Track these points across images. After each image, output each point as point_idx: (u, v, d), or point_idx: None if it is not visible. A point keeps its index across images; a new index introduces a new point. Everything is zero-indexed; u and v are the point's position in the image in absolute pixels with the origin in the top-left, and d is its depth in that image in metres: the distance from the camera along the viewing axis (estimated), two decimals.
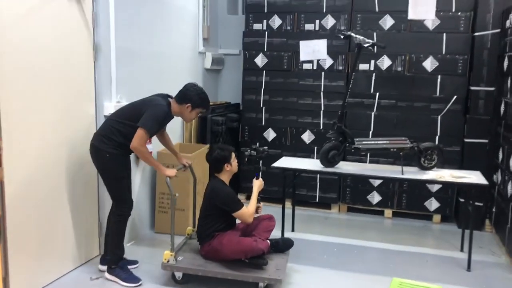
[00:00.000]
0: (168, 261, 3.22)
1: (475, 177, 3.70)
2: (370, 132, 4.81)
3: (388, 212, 4.93)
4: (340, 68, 4.86)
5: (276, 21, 5.02)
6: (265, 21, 5.06)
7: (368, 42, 3.70)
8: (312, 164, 4.07)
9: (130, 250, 3.69)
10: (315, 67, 4.93)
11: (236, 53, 5.70)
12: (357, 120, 4.80)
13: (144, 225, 4.25)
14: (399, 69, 4.70)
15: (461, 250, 4.04)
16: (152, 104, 3.15)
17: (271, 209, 5.05)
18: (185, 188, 4.20)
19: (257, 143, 5.13)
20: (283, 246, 3.44)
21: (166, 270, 3.28)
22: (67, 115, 3.26)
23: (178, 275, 3.26)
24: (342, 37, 3.98)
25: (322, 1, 4.86)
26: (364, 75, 4.76)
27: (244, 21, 5.25)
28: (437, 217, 4.82)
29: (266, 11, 5.04)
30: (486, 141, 4.53)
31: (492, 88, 4.48)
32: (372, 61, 4.75)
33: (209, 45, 5.47)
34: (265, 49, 5.05)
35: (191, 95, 3.23)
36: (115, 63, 3.62)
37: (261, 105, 5.13)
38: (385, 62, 4.73)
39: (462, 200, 4.57)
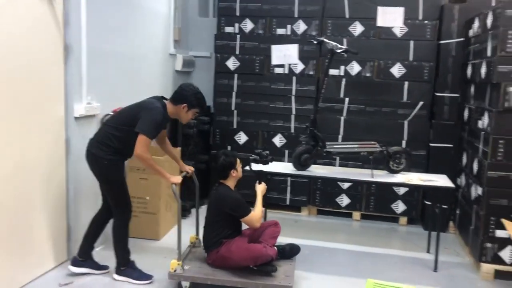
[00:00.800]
0: (175, 271, 3.11)
1: (442, 181, 3.83)
2: (340, 136, 4.89)
3: (356, 215, 5.03)
4: (311, 73, 4.93)
5: (248, 25, 5.05)
6: (237, 25, 5.07)
7: (340, 48, 3.77)
8: (284, 167, 4.11)
9: (100, 255, 3.61)
10: (286, 72, 4.98)
11: (207, 56, 5.68)
12: (327, 125, 4.87)
13: None
14: (368, 75, 4.81)
15: (428, 251, 4.16)
16: (148, 107, 3.10)
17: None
18: (155, 192, 4.16)
19: (229, 147, 5.14)
20: (289, 252, 3.42)
21: (173, 280, 3.15)
22: (35, 116, 3.17)
23: (185, 284, 3.20)
24: (315, 42, 4.04)
25: (294, 6, 4.92)
26: (334, 80, 4.85)
27: (215, 24, 5.25)
28: (403, 219, 4.95)
29: (238, 14, 5.06)
30: (451, 145, 4.69)
31: (457, 95, 4.65)
32: (342, 67, 4.84)
33: (180, 47, 5.43)
34: (237, 53, 5.06)
35: (187, 95, 3.18)
36: (86, 64, 3.55)
37: (233, 108, 5.14)
38: (354, 68, 4.82)
39: (428, 202, 4.72)
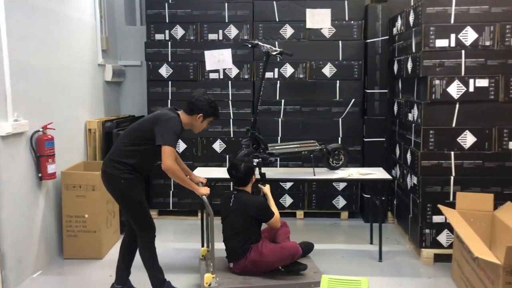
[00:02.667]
0: (209, 284, 3.03)
1: (379, 173, 3.99)
2: (279, 138, 4.95)
3: (300, 213, 5.11)
4: (246, 76, 4.94)
5: (179, 31, 4.97)
6: (167, 31, 4.97)
7: (276, 50, 3.81)
8: (226, 172, 4.07)
9: (37, 282, 3.38)
10: (221, 77, 4.96)
11: (137, 65, 5.53)
12: (265, 127, 4.89)
13: (52, 252, 3.92)
14: (301, 76, 4.91)
15: (371, 242, 4.31)
16: (163, 119, 2.99)
17: (187, 222, 4.99)
18: (95, 209, 3.96)
19: None
20: (305, 250, 3.42)
21: None
22: None
23: None
24: (249, 46, 4.05)
25: (224, 11, 4.91)
26: (270, 83, 4.89)
27: (144, 32, 5.12)
28: (344, 214, 5.09)
29: (167, 21, 4.96)
30: (383, 139, 4.90)
31: (385, 90, 4.87)
32: (276, 69, 4.90)
33: (108, 56, 5.24)
34: (169, 60, 4.96)
35: (202, 105, 3.13)
36: (9, 78, 3.30)
37: None
38: (288, 70, 4.90)
39: (366, 196, 4.89)
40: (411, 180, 4.04)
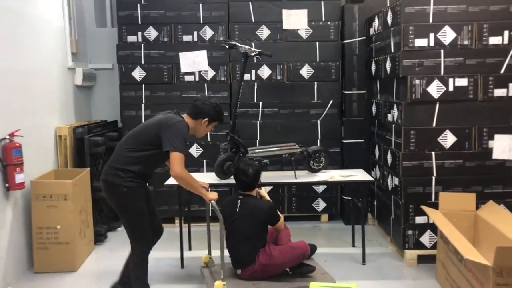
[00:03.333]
0: None
1: (360, 175, 3.94)
2: (257, 141, 4.85)
3: None
4: (223, 79, 4.83)
5: (152, 33, 4.81)
6: (140, 33, 4.81)
7: (254, 51, 3.72)
8: (206, 177, 3.94)
9: None
10: (197, 79, 4.83)
11: (109, 68, 5.34)
12: (243, 130, 4.77)
13: (21, 266, 3.70)
14: (279, 77, 4.83)
15: (353, 245, 4.26)
16: (170, 123, 2.90)
17: (166, 230, 4.80)
18: (67, 219, 3.77)
19: None
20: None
21: None
22: None
23: None
24: (227, 47, 3.95)
25: (199, 12, 4.79)
26: (247, 85, 4.79)
27: (115, 34, 4.94)
28: (325, 217, 5.03)
29: (140, 22, 4.80)
30: (362, 140, 4.87)
31: (363, 91, 4.84)
32: (253, 71, 4.81)
33: (78, 60, 5.04)
34: (143, 62, 4.80)
35: (208, 109, 3.06)
36: None
37: (143, 121, 4.84)
38: (265, 71, 4.82)
39: (347, 198, 4.84)
40: (392, 181, 4.01)
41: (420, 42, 3.66)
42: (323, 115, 4.86)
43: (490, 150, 3.71)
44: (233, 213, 3.21)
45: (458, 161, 3.74)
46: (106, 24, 5.59)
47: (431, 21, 3.66)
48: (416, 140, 3.73)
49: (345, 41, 4.80)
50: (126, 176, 2.87)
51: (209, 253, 3.63)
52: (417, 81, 3.66)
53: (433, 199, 3.75)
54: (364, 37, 4.78)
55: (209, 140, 4.87)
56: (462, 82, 3.66)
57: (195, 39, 4.81)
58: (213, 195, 3.10)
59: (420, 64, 3.68)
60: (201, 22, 4.80)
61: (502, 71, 3.66)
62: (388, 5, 4.67)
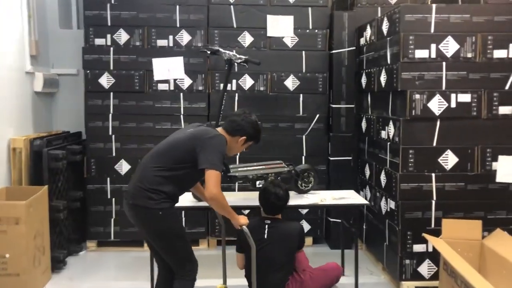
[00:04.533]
0: None
1: (353, 197, 3.58)
2: (237, 157, 4.43)
3: None
4: (200, 88, 4.40)
5: (122, 36, 4.35)
6: (109, 36, 4.34)
7: (240, 58, 3.32)
8: (181, 198, 3.49)
9: None
10: (172, 88, 4.38)
11: (73, 73, 4.84)
12: None
13: None
14: (262, 88, 4.45)
15: (343, 274, 3.86)
16: (207, 137, 2.61)
17: (132, 255, 4.33)
18: (19, 246, 3.25)
19: (108, 179, 4.37)
20: None
21: None
22: None
23: None
24: (209, 52, 3.54)
25: (175, 15, 4.36)
26: (227, 96, 4.34)
27: (81, 36, 4.45)
28: (309, 240, 4.62)
29: (109, 24, 4.34)
30: (349, 158, 4.52)
31: (352, 105, 4.50)
32: (234, 81, 4.41)
33: (38, 63, 4.52)
34: (111, 68, 4.33)
35: (247, 127, 2.80)
36: None
37: (110, 133, 4.36)
38: (247, 81, 4.42)
39: (333, 220, 4.47)
40: (387, 205, 3.66)
41: (420, 53, 3.35)
42: (309, 130, 4.49)
43: (494, 172, 3.42)
44: (261, 241, 2.88)
45: (460, 184, 3.43)
46: (71, 25, 5.09)
47: (432, 31, 3.35)
48: (415, 161, 3.40)
49: (334, 51, 4.47)
50: (159, 198, 2.56)
51: (224, 282, 3.28)
52: (417, 96, 3.34)
53: (432, 225, 3.42)
54: (353, 48, 4.46)
55: None
56: (465, 98, 3.37)
57: (171, 44, 4.38)
58: (245, 220, 2.79)
59: (421, 78, 3.36)
60: (178, 25, 4.37)
61: (507, 87, 3.39)
62: (379, 13, 4.40)
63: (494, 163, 3.41)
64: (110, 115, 4.34)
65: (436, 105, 3.36)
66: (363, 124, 4.34)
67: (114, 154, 4.37)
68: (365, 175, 4.27)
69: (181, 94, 4.39)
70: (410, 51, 3.34)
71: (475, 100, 3.37)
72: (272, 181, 3.09)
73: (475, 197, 3.43)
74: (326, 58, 4.49)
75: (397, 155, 3.44)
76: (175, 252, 2.67)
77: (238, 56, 3.36)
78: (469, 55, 3.36)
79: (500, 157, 3.39)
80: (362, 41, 4.33)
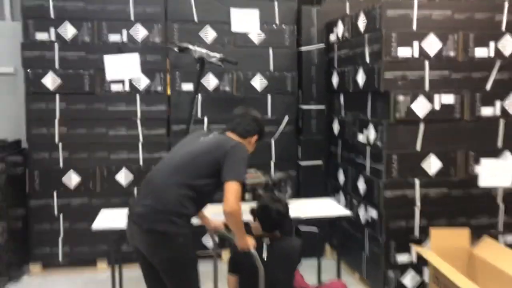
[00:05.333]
0: None
1: (336, 206, 3.33)
2: None
3: (226, 253, 4.24)
4: (159, 89, 3.98)
5: (69, 30, 3.84)
6: (53, 30, 3.82)
7: (214, 57, 2.95)
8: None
9: None
10: (127, 89, 3.93)
11: (10, 72, 4.23)
12: None
13: None
14: (227, 89, 4.09)
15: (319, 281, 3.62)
16: (230, 146, 2.33)
17: (85, 277, 3.84)
18: None
19: (54, 192, 3.85)
20: None
21: None
22: None
23: None
24: (176, 50, 3.15)
25: (129, 7, 3.91)
26: (189, 97, 3.97)
27: (18, 29, 3.89)
28: None
29: (53, 17, 3.82)
30: (320, 162, 4.28)
31: (323, 106, 4.25)
32: None
33: None
34: (57, 66, 3.81)
35: (256, 125, 2.57)
36: None
37: (57, 141, 3.84)
38: (211, 81, 4.05)
39: (307, 228, 4.20)
40: (367, 214, 3.44)
41: (403, 52, 3.14)
42: (278, 133, 4.20)
43: (477, 176, 3.27)
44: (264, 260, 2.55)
45: (443, 190, 3.26)
46: (4, 16, 4.47)
47: (414, 28, 3.15)
48: (399, 167, 3.19)
49: (303, 49, 4.19)
50: (182, 223, 2.25)
51: None
52: (401, 98, 3.13)
53: (416, 234, 3.23)
54: (323, 45, 4.20)
55: (141, 164, 3.98)
56: (449, 99, 3.20)
57: (125, 40, 3.92)
58: (253, 242, 2.46)
59: (404, 78, 3.16)
60: (132, 18, 3.92)
61: (488, 87, 3.26)
62: (347, 8, 4.20)
63: (477, 167, 3.27)
64: (56, 120, 3.82)
65: (420, 107, 3.16)
66: (335, 127, 4.10)
67: (61, 165, 3.86)
68: (339, 180, 4.03)
69: (138, 95, 3.95)
70: (392, 49, 3.12)
71: (458, 101, 3.21)
72: (271, 197, 2.78)
73: (458, 203, 3.29)
74: (295, 56, 4.20)
75: (380, 161, 3.23)
76: (187, 282, 2.35)
77: (211, 54, 2.99)
78: (452, 53, 3.20)
79: (483, 160, 3.25)
80: (332, 37, 4.09)
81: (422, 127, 3.19)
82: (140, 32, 3.94)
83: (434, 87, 3.18)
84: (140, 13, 3.93)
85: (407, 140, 3.19)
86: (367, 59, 3.36)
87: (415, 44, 3.14)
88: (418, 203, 3.23)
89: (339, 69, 3.95)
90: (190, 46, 3.11)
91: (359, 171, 3.56)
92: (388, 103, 3.14)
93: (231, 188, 2.23)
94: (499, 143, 3.30)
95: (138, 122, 3.97)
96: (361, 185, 3.53)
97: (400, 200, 3.21)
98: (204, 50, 3.07)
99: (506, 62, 3.26)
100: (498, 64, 3.25)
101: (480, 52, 3.23)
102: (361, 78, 3.48)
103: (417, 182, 3.22)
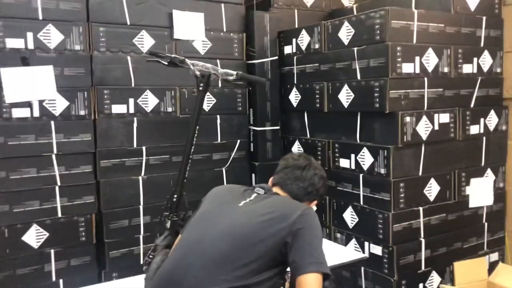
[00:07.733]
0: None
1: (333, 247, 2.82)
2: (141, 207, 3.15)
3: None
4: (82, 113, 2.94)
5: None
6: None
7: (230, 74, 2.16)
8: None
9: None
10: (36, 114, 2.80)
11: None
12: (117, 191, 3.06)
13: None
14: (170, 109, 3.25)
15: None
16: (298, 214, 1.61)
17: None
18: None
19: None
20: None
21: None
22: None
23: None
24: (165, 63, 2.27)
25: (35, 2, 2.79)
26: (121, 123, 3.05)
27: None
28: None
29: None
30: None
31: (277, 127, 3.70)
32: (131, 100, 3.10)
33: None
34: None
35: (323, 187, 1.93)
36: None
37: None
38: (150, 100, 3.17)
39: None
40: (369, 251, 3.00)
41: (407, 68, 2.80)
42: (230, 161, 3.51)
43: (468, 197, 3.13)
44: None
45: (442, 215, 3.03)
46: None
47: (415, 41, 2.84)
48: (405, 195, 2.84)
49: (256, 61, 3.57)
50: None
51: None
52: (407, 119, 2.78)
53: (422, 268, 2.93)
54: (276, 57, 3.65)
55: (58, 216, 2.90)
56: (445, 118, 2.97)
57: (31, 46, 2.79)
58: None
59: (406, 97, 2.82)
60: (40, 18, 2.82)
61: (471, 105, 3.13)
62: (296, 16, 3.75)
63: (467, 188, 3.12)
64: None
65: (423, 128, 2.87)
66: (296, 150, 3.59)
67: None
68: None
69: (52, 123, 2.84)
70: (398, 65, 2.75)
71: (452, 120, 3.01)
72: None
73: (454, 227, 3.09)
74: (244, 69, 3.56)
75: (382, 190, 2.83)
76: None
77: (222, 71, 2.18)
78: (446, 69, 2.98)
79: (472, 180, 3.12)
80: (288, 49, 3.57)
81: (423, 149, 2.90)
82: (53, 36, 2.85)
83: (431, 106, 2.92)
84: (52, 10, 2.84)
85: (411, 165, 2.86)
86: (358, 76, 2.93)
87: (417, 59, 2.83)
88: (422, 233, 2.93)
89: (301, 86, 3.45)
90: (187, 60, 2.25)
91: (346, 201, 3.12)
92: (394, 125, 2.76)
93: (314, 282, 1.52)
94: (483, 161, 3.20)
95: (54, 159, 2.86)
96: (349, 217, 3.10)
97: (407, 233, 2.87)
98: (209, 65, 2.26)
99: (485, 78, 3.18)
100: (479, 80, 3.14)
101: (467, 68, 3.09)
102: (345, 96, 3.04)
103: (420, 210, 2.92)
